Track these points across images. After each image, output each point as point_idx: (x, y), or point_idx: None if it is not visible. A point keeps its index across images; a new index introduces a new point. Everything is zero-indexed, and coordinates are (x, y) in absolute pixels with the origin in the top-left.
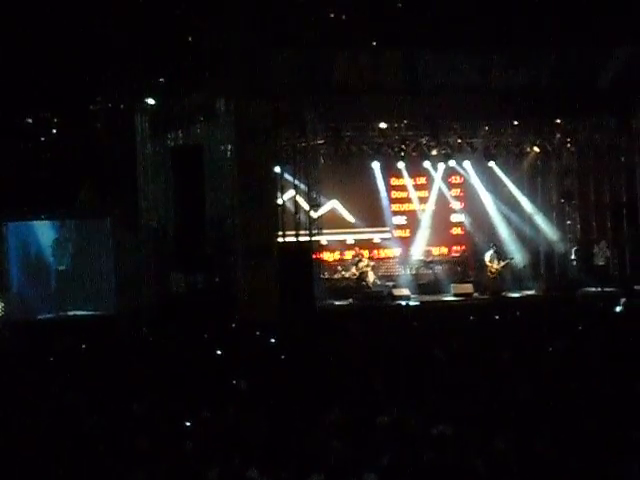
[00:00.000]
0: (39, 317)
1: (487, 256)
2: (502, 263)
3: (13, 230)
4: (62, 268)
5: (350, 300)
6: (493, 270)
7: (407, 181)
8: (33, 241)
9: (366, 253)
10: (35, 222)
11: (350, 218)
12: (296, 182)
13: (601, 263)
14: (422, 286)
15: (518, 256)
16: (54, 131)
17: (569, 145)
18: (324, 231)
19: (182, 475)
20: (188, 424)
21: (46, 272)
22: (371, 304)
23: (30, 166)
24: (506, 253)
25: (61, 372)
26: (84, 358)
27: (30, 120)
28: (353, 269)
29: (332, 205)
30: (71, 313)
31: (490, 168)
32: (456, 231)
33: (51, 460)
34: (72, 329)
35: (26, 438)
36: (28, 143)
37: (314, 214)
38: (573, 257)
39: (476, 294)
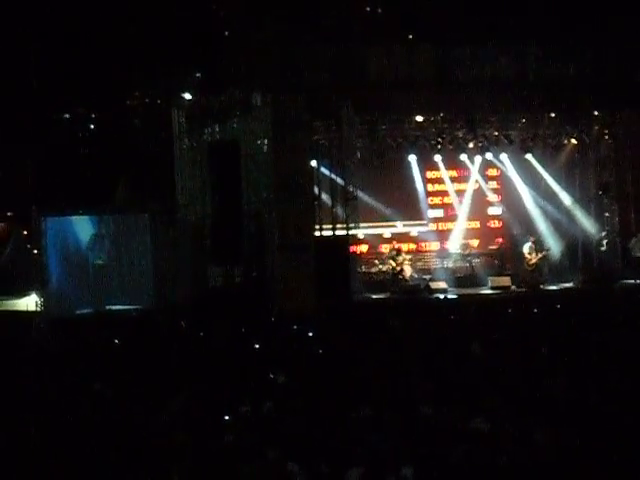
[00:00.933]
0: (77, 312)
1: (525, 248)
2: (540, 255)
3: (51, 225)
4: (100, 263)
5: (387, 294)
6: (531, 262)
7: (444, 174)
8: (71, 236)
9: (404, 247)
10: (73, 217)
11: (387, 211)
12: (332, 176)
13: (639, 255)
14: (459, 279)
15: (555, 248)
16: (92, 127)
17: (607, 137)
18: (361, 225)
19: (222, 469)
20: (227, 418)
21: (84, 267)
22: (408, 298)
23: (68, 161)
24: (543, 245)
25: (100, 367)
26: (123, 353)
27: (68, 116)
28: (390, 262)
29: (369, 199)
30: (109, 308)
31: (527, 160)
32: (493, 224)
33: (92, 454)
34: (110, 324)
35: (67, 433)
36: (66, 139)
37: (350, 208)
38: (608, 248)
39: (514, 287)
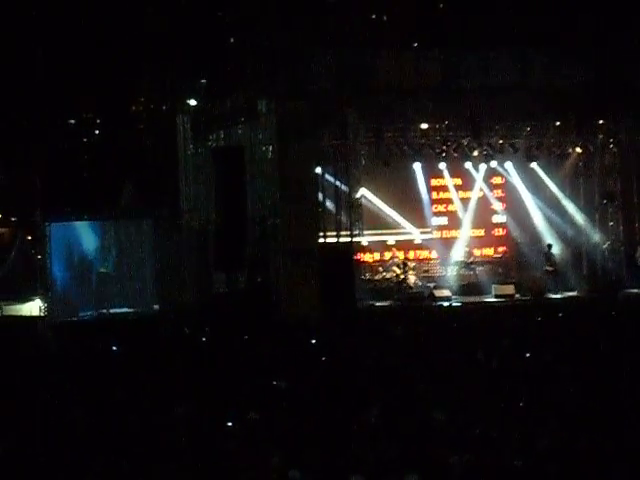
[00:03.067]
0: (81, 315)
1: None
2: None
3: (56, 231)
4: (104, 271)
5: (391, 301)
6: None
7: (448, 182)
8: (75, 241)
9: (410, 254)
10: (77, 223)
11: (391, 219)
12: (337, 183)
13: None
14: (463, 287)
15: (559, 257)
16: (97, 132)
17: (611, 146)
18: (365, 232)
19: (224, 475)
20: (230, 424)
21: (88, 272)
22: (412, 305)
23: (73, 167)
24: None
25: (103, 371)
26: (126, 357)
27: (73, 121)
28: (394, 270)
29: (373, 206)
30: (113, 311)
31: (532, 169)
32: (498, 232)
33: (93, 458)
34: (114, 329)
35: (69, 436)
36: (71, 144)
37: (355, 215)
38: (613, 257)
39: (518, 295)
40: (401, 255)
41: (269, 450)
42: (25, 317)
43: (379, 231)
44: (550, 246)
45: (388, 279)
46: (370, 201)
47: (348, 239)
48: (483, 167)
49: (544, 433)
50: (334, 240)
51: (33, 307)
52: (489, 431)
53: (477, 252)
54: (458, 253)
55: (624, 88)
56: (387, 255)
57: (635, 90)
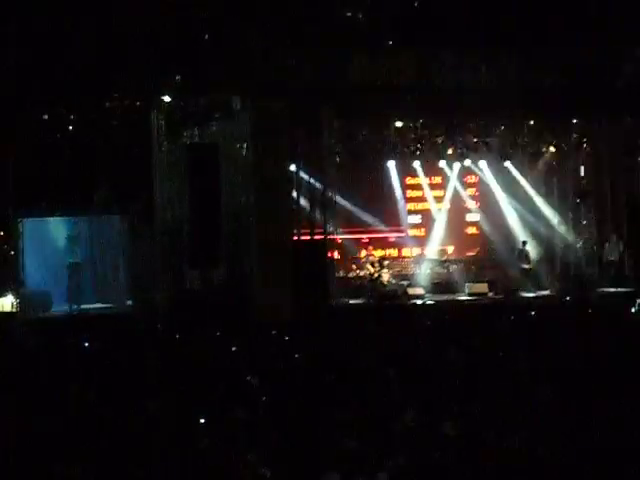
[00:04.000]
0: (53, 311)
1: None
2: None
3: (28, 227)
4: (73, 261)
5: (365, 299)
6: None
7: (422, 180)
8: (48, 237)
9: (382, 252)
10: (50, 219)
11: (365, 217)
12: (311, 180)
13: (612, 258)
14: (437, 285)
15: (533, 255)
16: (70, 128)
17: (585, 145)
18: (339, 229)
19: (197, 473)
20: (202, 421)
21: (61, 269)
22: (386, 303)
23: (46, 162)
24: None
25: (76, 368)
26: (99, 354)
27: (46, 116)
28: (368, 268)
29: (347, 203)
30: (85, 307)
31: (506, 168)
32: (471, 230)
33: (64, 458)
34: (87, 325)
35: (39, 435)
36: (44, 139)
37: (329, 212)
38: (585, 256)
39: (491, 294)
40: (375, 253)
41: (243, 447)
42: None
43: (353, 228)
44: (525, 243)
45: (362, 277)
46: (344, 198)
47: (322, 236)
48: (457, 165)
49: (517, 432)
50: (308, 237)
51: (5, 303)
52: (460, 430)
53: (450, 250)
54: (432, 251)
55: (598, 88)
56: (361, 253)
57: (609, 90)
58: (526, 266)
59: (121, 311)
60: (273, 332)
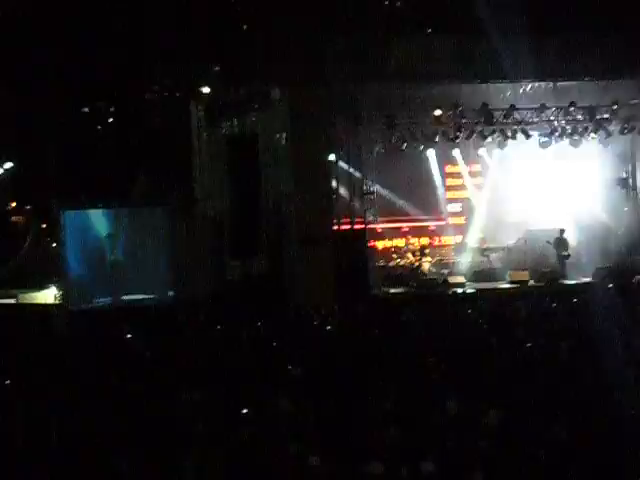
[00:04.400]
0: (96, 302)
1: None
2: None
3: (70, 218)
4: (114, 259)
5: (405, 288)
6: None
7: (462, 168)
8: (90, 229)
9: (424, 241)
10: (92, 210)
11: (406, 206)
12: (351, 170)
13: None
14: (477, 273)
15: (574, 242)
16: (110, 120)
17: (626, 131)
18: (379, 219)
19: (242, 461)
20: (246, 411)
21: (102, 260)
22: (426, 292)
23: (87, 155)
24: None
25: (119, 359)
26: (142, 345)
27: (87, 109)
28: (409, 257)
29: (387, 192)
30: (128, 298)
31: (546, 154)
32: (511, 218)
33: (109, 447)
34: (129, 316)
35: (84, 424)
36: (85, 132)
37: (368, 202)
38: (628, 243)
39: (532, 281)
40: (415, 242)
41: (286, 437)
42: (40, 305)
43: (394, 217)
44: (563, 231)
45: (402, 266)
46: (383, 188)
47: (362, 226)
48: (497, 153)
49: (560, 423)
50: (348, 227)
51: (48, 295)
52: (505, 420)
53: (491, 238)
54: (472, 239)
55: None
56: (401, 242)
57: None
58: (565, 253)
59: (164, 302)
60: (314, 321)
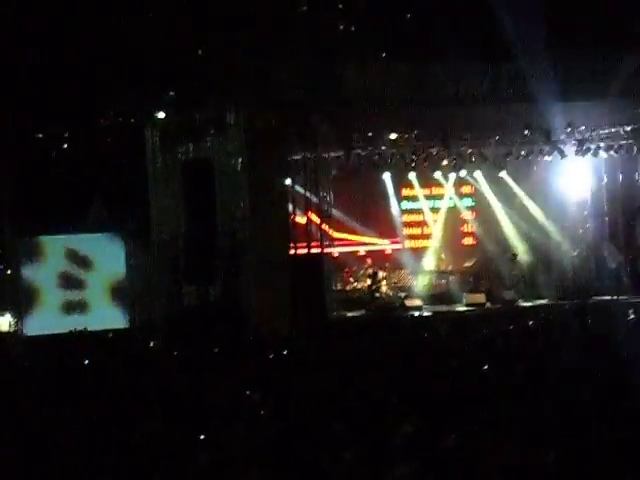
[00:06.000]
0: (52, 332)
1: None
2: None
3: (24, 245)
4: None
5: (363, 311)
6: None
7: (418, 191)
8: (45, 256)
9: (381, 265)
10: (47, 237)
11: (362, 229)
12: (307, 194)
13: (613, 266)
14: (434, 296)
15: (530, 264)
16: (65, 146)
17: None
18: (335, 243)
19: None
20: (202, 437)
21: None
22: (383, 315)
23: (41, 181)
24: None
25: (75, 386)
26: (97, 372)
27: (40, 135)
28: (366, 280)
29: (343, 216)
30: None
31: (501, 178)
32: (468, 241)
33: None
34: (85, 342)
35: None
36: (39, 158)
37: (325, 226)
38: (582, 264)
39: (488, 304)
40: (372, 265)
41: (244, 462)
42: None
43: (350, 241)
44: (515, 255)
45: (359, 289)
46: (341, 211)
47: (318, 250)
48: (453, 176)
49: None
50: (305, 251)
51: (3, 322)
52: (459, 444)
53: (448, 261)
54: (429, 263)
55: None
56: (358, 266)
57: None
58: (514, 273)
59: (120, 328)
60: (271, 346)
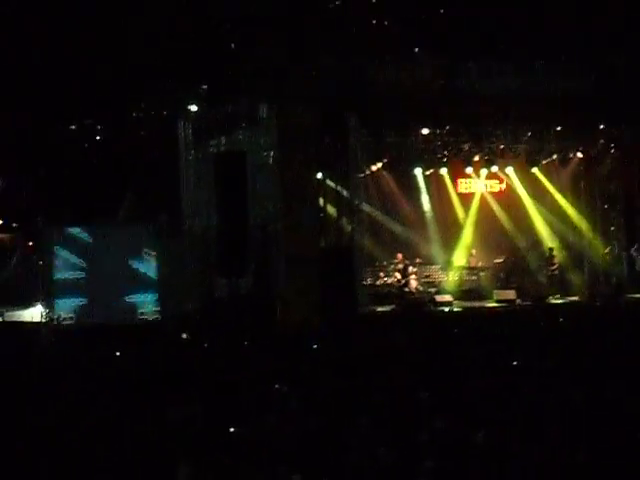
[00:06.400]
0: (83, 322)
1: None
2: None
3: (58, 236)
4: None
5: (392, 306)
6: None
7: (450, 187)
8: (77, 247)
9: (411, 259)
10: (79, 228)
11: (393, 224)
12: (338, 188)
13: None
14: (465, 292)
15: (561, 262)
16: (98, 138)
17: (612, 151)
18: (366, 236)
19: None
20: (232, 430)
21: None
22: (413, 310)
23: (74, 172)
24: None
25: (105, 377)
26: (128, 363)
27: (74, 127)
28: (396, 275)
29: (374, 211)
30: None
31: (533, 174)
32: (499, 237)
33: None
34: (116, 334)
35: (70, 442)
36: (72, 150)
37: (356, 220)
38: (614, 262)
39: (519, 300)
40: (402, 260)
41: (272, 455)
42: (27, 323)
43: (380, 236)
44: (552, 250)
45: (389, 284)
46: (372, 206)
47: (349, 244)
48: (484, 172)
49: (545, 440)
50: (335, 245)
51: (35, 313)
52: (490, 439)
53: (478, 257)
54: (459, 258)
55: (625, 93)
56: (390, 260)
57: (636, 96)
58: (552, 272)
59: (150, 320)
60: (301, 340)
